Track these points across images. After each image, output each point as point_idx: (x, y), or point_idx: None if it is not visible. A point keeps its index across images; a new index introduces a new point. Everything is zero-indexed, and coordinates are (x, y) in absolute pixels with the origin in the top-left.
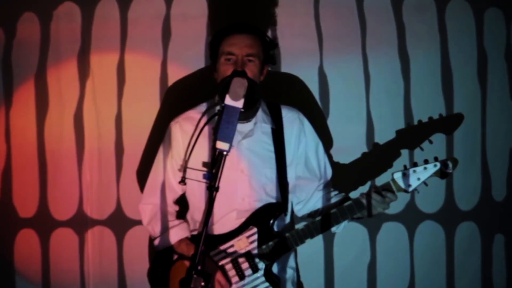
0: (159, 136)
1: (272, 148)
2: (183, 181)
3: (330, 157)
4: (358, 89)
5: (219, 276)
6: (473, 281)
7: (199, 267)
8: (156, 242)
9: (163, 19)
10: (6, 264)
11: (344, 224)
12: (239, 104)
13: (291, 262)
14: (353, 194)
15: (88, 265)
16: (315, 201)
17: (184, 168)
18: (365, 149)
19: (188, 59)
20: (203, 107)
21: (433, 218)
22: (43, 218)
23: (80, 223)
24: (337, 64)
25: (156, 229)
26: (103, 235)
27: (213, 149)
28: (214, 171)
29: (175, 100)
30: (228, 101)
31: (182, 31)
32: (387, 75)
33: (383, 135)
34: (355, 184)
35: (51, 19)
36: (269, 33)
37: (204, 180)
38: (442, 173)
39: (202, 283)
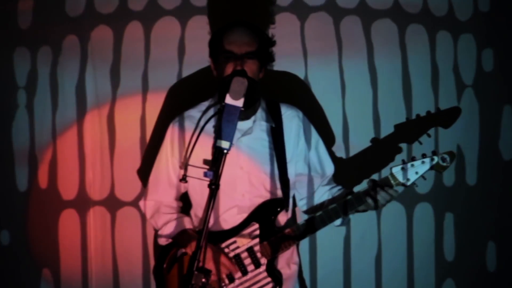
0: (160, 135)
1: (271, 145)
2: (184, 179)
3: (332, 153)
4: (336, 95)
5: (224, 260)
6: (428, 251)
7: (200, 264)
8: (159, 233)
9: (179, 39)
10: (52, 237)
11: (348, 219)
12: (239, 103)
13: (294, 257)
14: (357, 189)
15: (118, 236)
16: (319, 197)
17: (185, 166)
18: (341, 146)
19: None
20: (203, 106)
21: (396, 200)
22: (82, 199)
23: (112, 203)
24: (318, 74)
25: (159, 222)
26: (129, 213)
27: (214, 147)
28: (214, 169)
29: (177, 99)
30: (229, 100)
31: (195, 47)
32: (358, 84)
33: (355, 134)
34: (358, 179)
35: (89, 39)
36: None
37: (205, 178)
38: (439, 167)
39: (203, 280)
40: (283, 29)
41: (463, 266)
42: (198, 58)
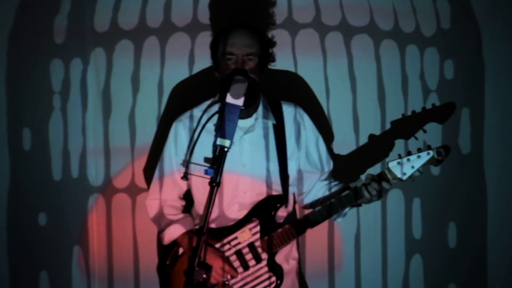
0: (164, 134)
1: (273, 142)
2: (185, 177)
3: (330, 150)
4: (321, 98)
5: (223, 265)
6: (399, 230)
7: (200, 260)
8: (162, 235)
9: (189, 51)
10: (82, 219)
11: (345, 212)
12: (240, 102)
13: (293, 253)
14: (354, 184)
15: (138, 218)
16: (316, 192)
17: (186, 163)
18: None
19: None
20: (205, 105)
21: None
22: (107, 186)
23: (132, 190)
24: (306, 80)
25: (162, 223)
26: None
27: (215, 145)
28: (215, 166)
29: (180, 99)
30: (229, 99)
31: (203, 58)
32: (341, 89)
33: (339, 132)
34: (353, 175)
35: (114, 51)
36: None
37: (206, 176)
38: (435, 161)
39: (204, 276)
40: (277, 42)
41: (428, 243)
42: (206, 67)
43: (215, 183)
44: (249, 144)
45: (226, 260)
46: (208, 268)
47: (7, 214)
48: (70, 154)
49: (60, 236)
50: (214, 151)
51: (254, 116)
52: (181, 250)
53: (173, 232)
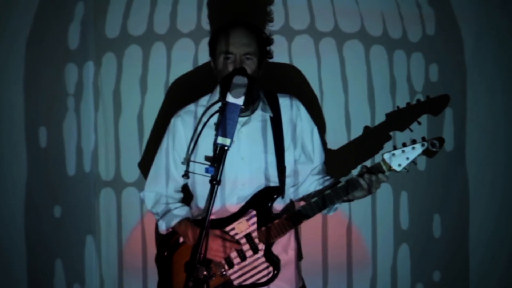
0: (162, 129)
1: (270, 134)
2: (186, 175)
3: (324, 142)
4: (316, 99)
5: (223, 242)
6: (387, 223)
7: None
8: (160, 222)
9: (193, 56)
10: (94, 211)
11: (336, 207)
12: (240, 101)
13: (292, 243)
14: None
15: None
16: (308, 186)
17: (187, 161)
18: None
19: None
20: (203, 100)
21: None
22: (117, 180)
23: (141, 184)
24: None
25: (160, 211)
26: None
27: (215, 144)
28: (216, 165)
29: (178, 94)
30: (230, 98)
31: (206, 61)
32: (334, 91)
33: (333, 131)
34: (347, 168)
35: (123, 56)
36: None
37: (207, 174)
38: (429, 152)
39: (205, 272)
40: (274, 48)
41: (415, 233)
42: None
43: (215, 182)
44: (247, 137)
45: (225, 236)
46: (208, 265)
47: (25, 207)
48: (83, 151)
49: (74, 227)
50: (214, 150)
51: (251, 109)
52: (180, 240)
53: (171, 219)
